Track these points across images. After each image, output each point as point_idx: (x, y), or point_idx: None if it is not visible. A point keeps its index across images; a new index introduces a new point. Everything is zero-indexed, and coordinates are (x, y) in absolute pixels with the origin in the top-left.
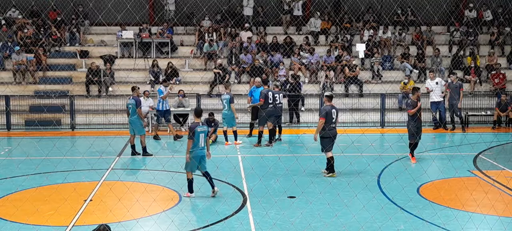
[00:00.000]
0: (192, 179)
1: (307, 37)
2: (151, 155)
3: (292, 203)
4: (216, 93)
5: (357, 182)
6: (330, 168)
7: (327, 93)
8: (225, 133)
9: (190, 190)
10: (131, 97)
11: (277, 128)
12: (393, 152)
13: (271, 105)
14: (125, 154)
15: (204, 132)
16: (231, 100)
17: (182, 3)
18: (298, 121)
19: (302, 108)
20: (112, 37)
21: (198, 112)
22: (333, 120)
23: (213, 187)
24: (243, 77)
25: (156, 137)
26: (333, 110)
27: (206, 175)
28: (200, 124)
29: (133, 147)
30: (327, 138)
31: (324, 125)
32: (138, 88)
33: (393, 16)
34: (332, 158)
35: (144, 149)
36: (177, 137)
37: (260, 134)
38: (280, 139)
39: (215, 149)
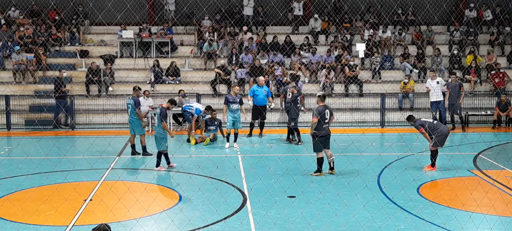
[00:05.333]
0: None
1: (307, 37)
2: (151, 154)
3: (292, 203)
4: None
5: (357, 182)
6: (318, 168)
7: (319, 93)
8: (236, 134)
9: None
10: (131, 97)
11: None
12: (393, 151)
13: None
14: (125, 153)
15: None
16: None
17: (182, 3)
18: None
19: (302, 108)
20: (112, 37)
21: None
22: (326, 120)
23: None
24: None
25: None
26: (326, 110)
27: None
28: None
29: (133, 146)
30: (319, 137)
31: (317, 125)
32: (139, 89)
33: (393, 16)
34: (321, 158)
35: (144, 148)
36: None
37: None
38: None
39: (215, 149)
